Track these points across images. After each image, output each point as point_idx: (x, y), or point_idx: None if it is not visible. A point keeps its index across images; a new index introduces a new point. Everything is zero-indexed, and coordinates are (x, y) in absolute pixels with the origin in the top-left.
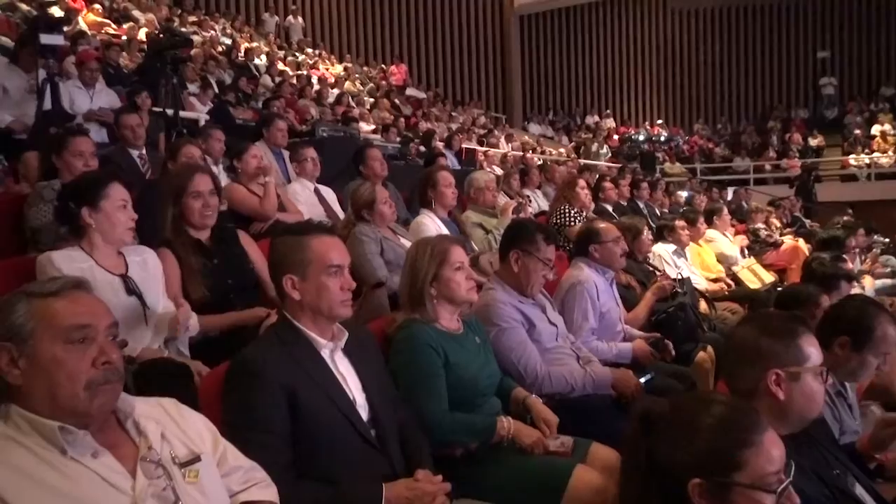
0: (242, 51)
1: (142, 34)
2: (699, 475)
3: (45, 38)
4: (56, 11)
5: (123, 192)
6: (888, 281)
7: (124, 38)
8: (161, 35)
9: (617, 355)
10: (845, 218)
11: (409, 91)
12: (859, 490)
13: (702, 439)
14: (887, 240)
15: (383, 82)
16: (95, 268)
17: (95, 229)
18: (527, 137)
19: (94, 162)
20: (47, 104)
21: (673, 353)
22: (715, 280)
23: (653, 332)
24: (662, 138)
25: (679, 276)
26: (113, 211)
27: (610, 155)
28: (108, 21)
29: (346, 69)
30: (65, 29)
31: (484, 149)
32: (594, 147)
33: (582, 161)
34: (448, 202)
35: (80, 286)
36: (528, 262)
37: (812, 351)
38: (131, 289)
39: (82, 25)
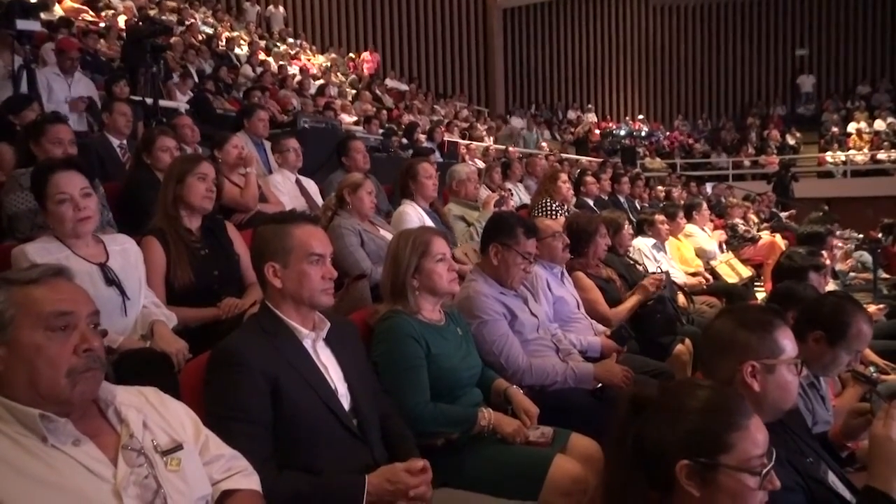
0: (223, 40)
1: (120, 21)
2: (686, 456)
3: (22, 24)
4: None
5: (65, 183)
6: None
7: (102, 25)
8: (140, 23)
9: (587, 347)
10: (820, 214)
11: (392, 83)
12: (831, 478)
13: (690, 421)
14: (861, 235)
15: (361, 73)
16: (73, 257)
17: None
18: None
19: (74, 149)
20: (24, 91)
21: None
22: (693, 274)
23: (629, 327)
24: (643, 133)
25: (658, 270)
26: (53, 208)
27: (540, 141)
28: (85, 8)
29: (329, 59)
30: (41, 15)
31: (466, 142)
32: (515, 132)
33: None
34: (428, 193)
35: (61, 274)
36: (508, 256)
37: (787, 344)
38: (110, 279)
39: (59, 12)
